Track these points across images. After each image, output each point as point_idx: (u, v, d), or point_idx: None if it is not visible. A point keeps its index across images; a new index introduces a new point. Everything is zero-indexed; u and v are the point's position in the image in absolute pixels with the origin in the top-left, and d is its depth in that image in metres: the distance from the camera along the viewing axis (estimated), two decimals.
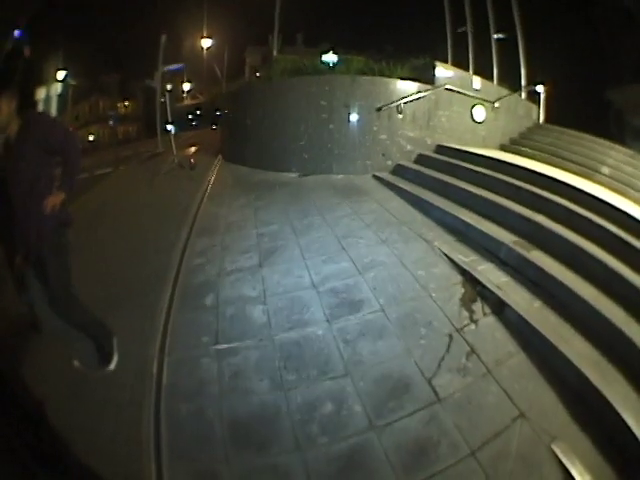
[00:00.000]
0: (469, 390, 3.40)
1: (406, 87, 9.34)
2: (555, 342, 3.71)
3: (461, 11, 26.76)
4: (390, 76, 9.59)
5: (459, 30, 26.93)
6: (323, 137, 9.23)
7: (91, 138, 63.52)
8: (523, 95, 14.13)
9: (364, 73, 9.76)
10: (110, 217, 8.39)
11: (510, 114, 11.98)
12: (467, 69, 19.68)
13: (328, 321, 4.18)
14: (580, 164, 9.44)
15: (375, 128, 9.11)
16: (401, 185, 7.88)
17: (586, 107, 18.55)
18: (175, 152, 12.52)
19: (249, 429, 3.17)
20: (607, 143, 11.54)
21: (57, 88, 9.98)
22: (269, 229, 6.46)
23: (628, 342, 3.65)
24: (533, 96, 14.46)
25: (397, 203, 7.28)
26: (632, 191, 8.24)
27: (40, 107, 9.94)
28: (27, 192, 3.38)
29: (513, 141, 11.76)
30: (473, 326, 4.08)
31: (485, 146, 10.54)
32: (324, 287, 4.75)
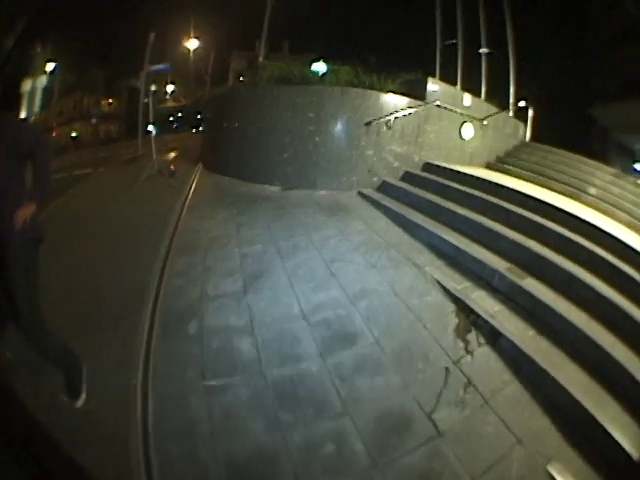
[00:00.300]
0: (468, 422, 3.46)
1: (396, 101, 9.21)
2: (548, 368, 3.85)
3: (450, 24, 26.89)
4: (381, 90, 9.41)
5: (447, 43, 27.05)
6: (308, 150, 9.00)
7: (74, 134, 63.32)
8: (511, 113, 14.05)
9: (354, 85, 9.55)
10: (86, 225, 8.09)
11: (498, 132, 11.93)
12: (454, 82, 19.70)
13: (322, 356, 4.01)
14: (567, 184, 9.44)
15: (363, 143, 8.93)
16: (388, 204, 7.75)
17: (571, 123, 18.64)
18: (155, 157, 12.30)
19: (247, 472, 3.03)
20: (593, 163, 11.54)
21: (43, 81, 9.73)
22: (253, 249, 6.19)
23: (616, 365, 3.89)
24: (520, 112, 14.39)
25: (384, 223, 7.15)
26: (619, 212, 8.26)
27: (25, 100, 9.68)
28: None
29: (500, 159, 11.71)
30: (469, 357, 4.09)
31: (472, 164, 10.54)
32: (315, 318, 4.54)
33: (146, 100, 17.03)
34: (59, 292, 4.72)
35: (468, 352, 4.15)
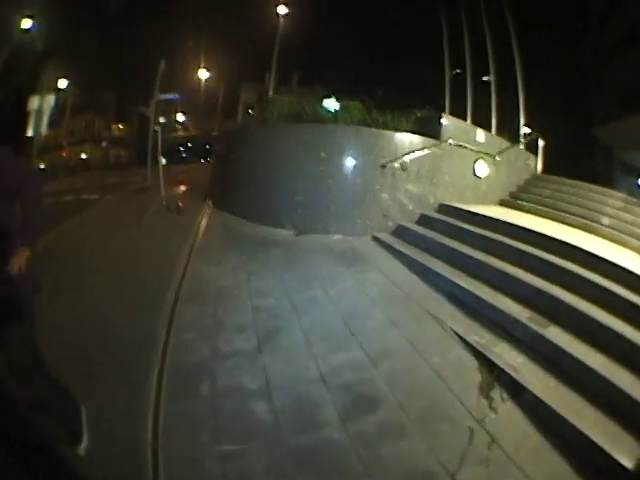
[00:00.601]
0: (491, 479, 3.33)
1: (411, 141, 9.02)
2: (569, 417, 3.76)
3: (456, 55, 26.96)
4: (395, 129, 9.22)
5: (454, 72, 27.12)
6: (321, 193, 8.81)
7: (84, 156, 63.87)
8: (521, 145, 13.75)
9: (367, 124, 9.37)
10: (91, 258, 7.98)
11: (510, 166, 11.68)
12: (462, 115, 19.58)
13: (343, 422, 3.74)
14: (580, 216, 9.21)
15: (377, 186, 8.73)
16: (404, 250, 7.54)
17: (576, 146, 18.47)
18: (163, 191, 12.13)
19: None
20: (602, 190, 11.40)
21: (50, 100, 9.61)
22: (266, 302, 5.91)
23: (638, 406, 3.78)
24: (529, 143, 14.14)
25: (402, 273, 6.93)
26: (634, 240, 8.05)
27: (32, 118, 9.55)
28: None
29: (513, 195, 11.44)
30: (492, 415, 3.92)
31: (485, 201, 10.30)
32: (335, 381, 4.26)
33: (156, 129, 16.98)
34: (61, 332, 4.64)
35: (492, 409, 3.99)
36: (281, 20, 26.93)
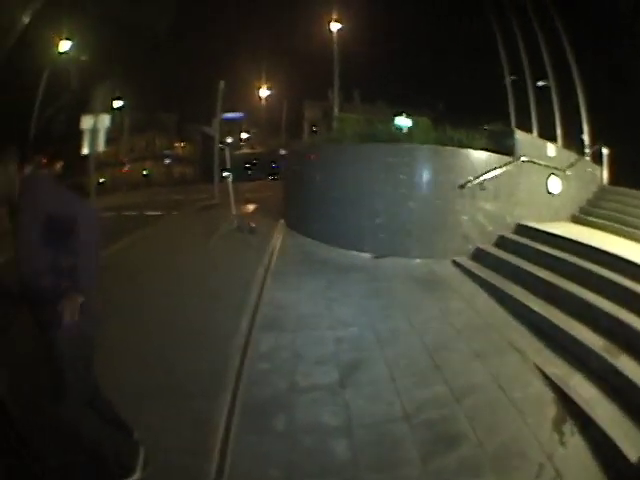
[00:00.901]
0: None
1: (487, 159, 8.70)
2: (631, 457, 3.49)
3: (515, 64, 26.45)
4: (470, 146, 8.90)
5: (511, 78, 26.59)
6: (401, 215, 8.57)
7: (145, 172, 65.68)
8: (587, 157, 13.08)
9: (443, 142, 9.05)
10: (156, 278, 7.90)
11: (579, 180, 11.12)
12: (524, 125, 19.00)
13: (423, 460, 3.52)
14: None
15: (458, 207, 8.44)
16: (484, 276, 7.30)
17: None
18: (234, 211, 11.93)
19: None
20: None
21: (105, 119, 9.69)
22: (348, 332, 5.61)
23: None
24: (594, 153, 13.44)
25: (483, 300, 6.66)
26: None
27: (86, 137, 9.62)
28: (33, 277, 2.86)
29: (583, 210, 10.84)
30: (561, 449, 3.74)
31: (558, 218, 9.87)
32: (417, 419, 3.99)
33: (221, 145, 17.07)
34: (121, 357, 4.61)
35: (561, 444, 3.80)
36: (334, 36, 27.11)
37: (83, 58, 30.36)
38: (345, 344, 5.31)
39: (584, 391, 4.41)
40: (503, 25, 27.41)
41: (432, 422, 3.96)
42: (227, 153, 13.58)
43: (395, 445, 3.69)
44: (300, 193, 11.09)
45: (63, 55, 29.16)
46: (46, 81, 30.15)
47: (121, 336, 5.32)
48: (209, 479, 3.21)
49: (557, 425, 4.02)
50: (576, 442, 3.82)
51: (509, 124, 10.08)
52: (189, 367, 4.72)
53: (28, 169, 3.03)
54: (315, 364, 4.88)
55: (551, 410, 4.22)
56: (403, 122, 10.67)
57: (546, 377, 4.68)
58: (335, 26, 27.19)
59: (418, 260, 8.28)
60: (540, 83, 23.98)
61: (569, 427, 3.99)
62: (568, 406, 4.22)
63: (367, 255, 8.61)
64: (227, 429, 3.78)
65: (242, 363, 4.87)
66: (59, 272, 2.84)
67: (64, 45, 28.65)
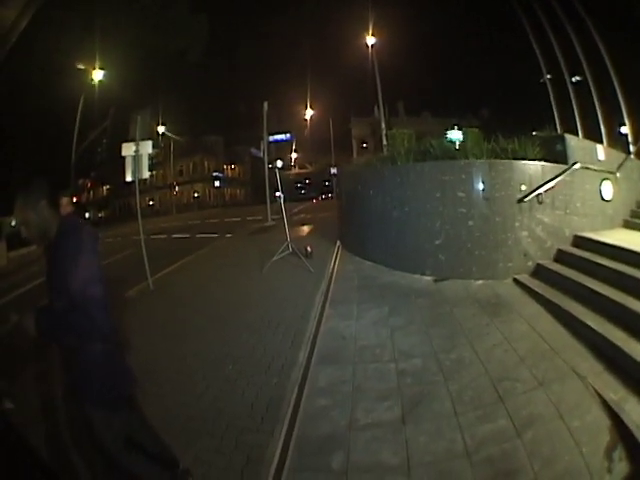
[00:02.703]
0: None
1: (542, 169, 8.36)
2: None
3: (551, 60, 25.84)
4: (523, 156, 8.59)
5: (545, 78, 25.95)
6: (461, 236, 8.30)
7: (196, 195, 67.11)
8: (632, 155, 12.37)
9: (496, 154, 8.82)
10: (207, 304, 7.97)
11: (628, 181, 10.38)
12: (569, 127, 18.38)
13: None
14: None
15: (517, 224, 8.13)
16: (546, 295, 6.98)
17: None
18: (289, 234, 11.69)
19: None
20: None
21: (147, 145, 9.80)
22: (411, 364, 5.36)
23: None
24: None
25: (546, 321, 6.37)
26: None
27: (128, 164, 9.78)
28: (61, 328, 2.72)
29: (635, 214, 10.14)
30: (608, 477, 3.59)
31: (612, 225, 9.35)
32: (479, 455, 3.83)
33: (270, 166, 17.14)
34: (170, 388, 4.78)
35: (608, 471, 3.64)
36: (373, 51, 27.11)
37: (119, 86, 31.32)
38: (409, 378, 5.10)
39: (637, 417, 4.18)
40: (535, 21, 26.99)
41: (492, 458, 3.83)
42: (278, 175, 13.52)
43: None
44: (356, 214, 11.00)
45: (100, 84, 30.18)
46: (83, 110, 31.20)
47: (171, 366, 5.46)
48: None
49: (608, 452, 3.84)
50: (622, 468, 3.66)
51: (554, 127, 9.56)
52: (243, 401, 4.76)
53: (67, 207, 3.00)
54: (376, 399, 4.71)
55: (604, 437, 4.03)
56: (455, 135, 10.40)
57: (604, 403, 4.48)
58: (372, 40, 27.30)
59: (480, 282, 8.02)
60: (575, 79, 23.40)
61: (618, 454, 3.81)
62: (621, 432, 4.03)
63: (428, 278, 8.39)
64: (280, 466, 3.76)
65: (299, 397, 4.81)
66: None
67: (98, 74, 29.67)
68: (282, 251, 10.82)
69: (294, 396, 4.79)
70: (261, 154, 21.25)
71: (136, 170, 9.75)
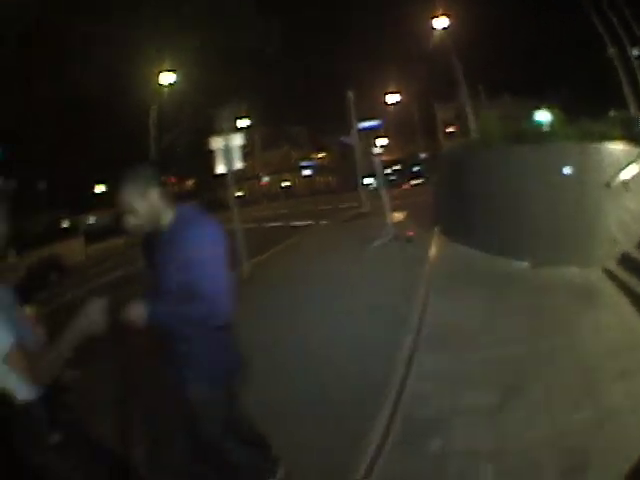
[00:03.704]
0: None
1: (628, 151, 8.36)
2: None
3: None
4: (610, 138, 8.58)
5: (611, 50, 24.71)
6: (556, 221, 8.27)
7: (285, 184, 68.06)
8: None
9: (583, 135, 8.79)
10: (308, 289, 8.27)
11: None
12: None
13: None
14: None
15: (606, 208, 8.13)
16: (631, 284, 6.75)
17: None
18: (390, 219, 12.19)
19: None
20: None
21: (236, 138, 10.27)
22: (509, 350, 5.37)
23: None
24: None
25: (633, 313, 6.12)
26: None
27: (220, 156, 10.30)
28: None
29: None
30: None
31: None
32: (564, 444, 3.83)
33: (371, 151, 17.42)
34: (271, 374, 4.84)
35: None
36: (439, 33, 26.86)
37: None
38: (508, 364, 5.11)
39: None
40: None
41: (575, 449, 3.80)
42: (376, 161, 13.79)
43: (537, 472, 3.56)
44: (452, 199, 10.99)
45: (172, 86, 31.43)
46: (159, 111, 32.62)
47: (273, 350, 5.71)
48: None
49: None
50: None
51: (626, 105, 9.30)
52: (347, 384, 4.95)
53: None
54: (478, 385, 4.79)
55: None
56: (542, 117, 10.44)
57: None
58: (445, 22, 27.02)
59: (574, 268, 7.87)
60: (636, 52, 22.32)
61: None
62: None
63: (526, 264, 8.40)
64: (379, 449, 3.86)
65: (404, 382, 4.93)
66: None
67: (169, 77, 31.12)
68: (383, 236, 11.16)
69: (398, 380, 4.94)
70: (351, 141, 21.55)
71: (228, 162, 10.25)
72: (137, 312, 2.60)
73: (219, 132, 10.42)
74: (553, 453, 3.73)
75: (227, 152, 10.21)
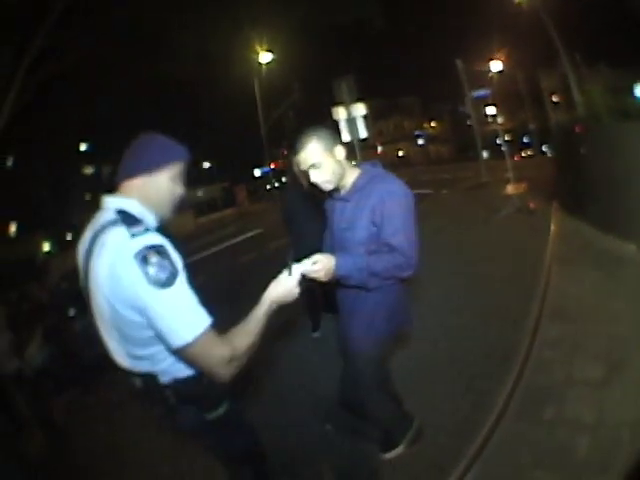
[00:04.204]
0: None
1: None
2: None
3: None
4: None
5: None
6: None
7: (400, 154, 68.06)
8: None
9: None
10: (442, 260, 8.55)
11: None
12: None
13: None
14: None
15: None
16: None
17: None
18: (514, 191, 12.43)
19: None
20: None
21: (359, 108, 10.84)
22: (619, 329, 5.28)
23: None
24: None
25: None
26: None
27: (344, 126, 10.92)
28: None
29: None
30: None
31: None
32: None
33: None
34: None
35: None
36: None
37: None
38: (615, 340, 5.08)
39: None
40: None
41: None
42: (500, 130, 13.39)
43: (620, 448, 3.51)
44: (573, 175, 10.51)
45: (271, 64, 32.51)
46: (266, 88, 33.82)
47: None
48: (464, 460, 3.58)
49: None
50: None
51: None
52: (474, 350, 5.27)
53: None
54: (589, 358, 4.84)
55: None
56: None
57: None
58: None
59: None
60: None
61: None
62: None
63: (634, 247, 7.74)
64: (500, 415, 4.06)
65: (529, 350, 5.10)
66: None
67: (265, 57, 32.37)
68: (508, 207, 11.51)
69: (525, 348, 5.15)
70: (469, 111, 21.66)
71: (353, 131, 10.87)
72: (327, 266, 2.68)
73: (339, 104, 10.81)
74: None
75: (351, 122, 10.74)
